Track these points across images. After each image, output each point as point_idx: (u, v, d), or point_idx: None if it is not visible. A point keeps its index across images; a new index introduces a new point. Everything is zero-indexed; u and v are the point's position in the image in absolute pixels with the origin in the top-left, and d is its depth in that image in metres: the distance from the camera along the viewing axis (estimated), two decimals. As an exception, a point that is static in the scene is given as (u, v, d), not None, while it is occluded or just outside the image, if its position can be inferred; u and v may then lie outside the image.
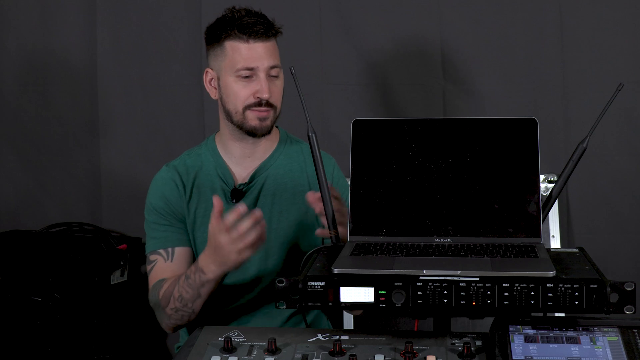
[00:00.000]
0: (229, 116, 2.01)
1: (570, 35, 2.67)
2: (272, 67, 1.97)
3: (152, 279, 2.02)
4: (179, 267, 2.01)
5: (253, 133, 2.00)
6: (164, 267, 2.01)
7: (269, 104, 1.97)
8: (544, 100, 2.70)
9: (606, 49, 2.67)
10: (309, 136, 1.72)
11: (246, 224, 1.74)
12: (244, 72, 1.95)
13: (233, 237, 1.74)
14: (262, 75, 1.96)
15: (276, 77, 1.99)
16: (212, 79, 2.03)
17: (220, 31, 1.98)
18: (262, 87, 1.95)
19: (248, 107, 1.97)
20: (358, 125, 1.67)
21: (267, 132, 2.01)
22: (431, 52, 2.74)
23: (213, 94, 2.04)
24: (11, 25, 2.91)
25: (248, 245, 1.75)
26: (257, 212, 1.76)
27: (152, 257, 2.04)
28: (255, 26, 1.95)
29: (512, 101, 2.72)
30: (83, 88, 2.90)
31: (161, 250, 2.02)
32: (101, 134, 2.91)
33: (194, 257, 2.06)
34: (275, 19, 2.02)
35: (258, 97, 1.96)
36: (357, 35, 2.76)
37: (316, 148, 1.72)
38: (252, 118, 1.97)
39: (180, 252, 2.02)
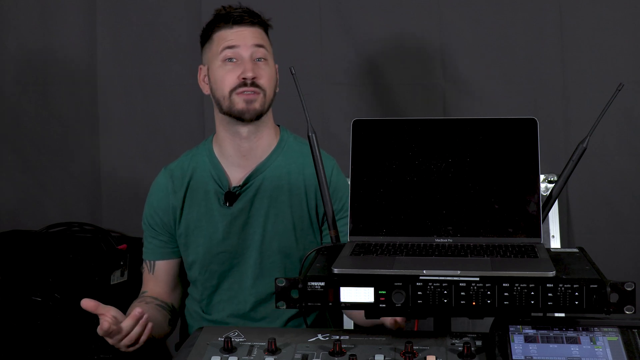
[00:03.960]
0: (219, 105, 2.01)
1: (570, 35, 2.67)
2: (257, 47, 1.98)
3: (143, 285, 2.13)
4: (158, 280, 2.10)
5: (241, 117, 1.98)
6: (147, 278, 2.12)
7: (255, 85, 1.96)
8: (544, 100, 2.70)
9: (606, 49, 2.66)
10: (309, 136, 1.72)
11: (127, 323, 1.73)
12: (228, 51, 1.97)
13: (117, 339, 1.74)
14: (246, 57, 1.97)
15: (264, 60, 1.99)
16: (204, 75, 2.05)
17: (210, 27, 2.03)
18: (245, 67, 1.96)
19: (234, 90, 1.97)
20: (358, 125, 1.67)
21: (256, 116, 1.99)
22: (431, 52, 2.73)
23: (205, 89, 2.06)
24: (11, 25, 2.91)
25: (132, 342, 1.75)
26: (137, 312, 1.74)
27: (143, 264, 2.13)
28: (239, 14, 1.99)
29: (512, 101, 2.72)
30: (83, 88, 2.90)
31: (147, 261, 2.11)
32: (101, 134, 2.91)
33: (180, 266, 2.10)
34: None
35: (243, 78, 1.96)
36: (357, 35, 2.76)
37: (316, 148, 1.72)
38: (239, 101, 1.97)
39: (160, 266, 2.10)
